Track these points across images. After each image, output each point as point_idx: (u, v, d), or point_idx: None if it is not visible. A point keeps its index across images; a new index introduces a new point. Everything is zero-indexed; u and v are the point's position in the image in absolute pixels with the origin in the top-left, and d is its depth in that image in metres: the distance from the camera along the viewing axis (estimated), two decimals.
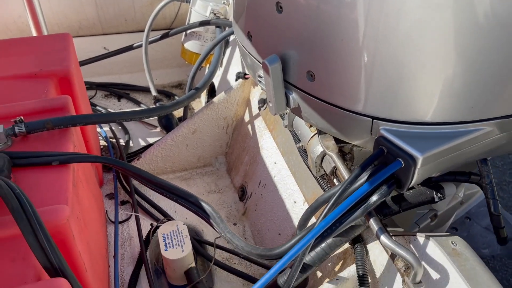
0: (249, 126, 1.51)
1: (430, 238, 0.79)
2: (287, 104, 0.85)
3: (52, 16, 1.79)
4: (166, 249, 1.24)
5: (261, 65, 0.83)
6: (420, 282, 0.73)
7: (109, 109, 1.93)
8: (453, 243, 0.78)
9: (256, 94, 1.49)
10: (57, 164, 0.98)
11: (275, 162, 1.35)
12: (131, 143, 1.76)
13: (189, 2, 1.75)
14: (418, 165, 0.71)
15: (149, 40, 1.77)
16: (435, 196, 0.94)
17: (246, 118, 1.54)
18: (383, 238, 0.76)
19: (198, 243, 1.38)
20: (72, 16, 1.83)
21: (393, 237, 0.79)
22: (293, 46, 0.78)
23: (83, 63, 1.89)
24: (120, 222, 1.44)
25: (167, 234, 1.28)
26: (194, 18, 1.76)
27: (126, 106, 1.99)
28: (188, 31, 1.74)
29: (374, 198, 0.75)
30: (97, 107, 1.90)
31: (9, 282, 0.75)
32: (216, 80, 1.80)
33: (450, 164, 0.75)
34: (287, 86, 0.84)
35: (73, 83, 1.26)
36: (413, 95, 0.70)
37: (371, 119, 0.75)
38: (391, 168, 0.71)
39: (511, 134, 0.77)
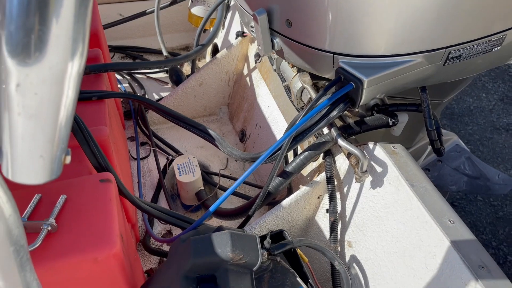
0: (247, 78, 1.78)
1: (377, 144, 1.07)
2: (273, 47, 1.12)
3: None
4: (180, 175, 1.53)
5: (252, 16, 1.09)
6: (366, 171, 1.02)
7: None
8: (393, 147, 1.06)
9: (252, 50, 1.75)
10: (95, 99, 1.26)
11: (269, 106, 1.63)
12: (146, 97, 2.04)
13: None
14: (365, 86, 0.97)
15: (160, 6, 2.02)
16: (389, 121, 1.21)
17: (245, 71, 1.80)
18: (340, 141, 1.04)
19: (206, 174, 1.67)
20: None
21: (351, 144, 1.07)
22: (273, 0, 1.04)
23: (105, 26, 2.15)
24: (142, 158, 1.73)
25: (180, 164, 1.57)
26: None
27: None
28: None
29: (334, 112, 1.03)
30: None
31: (71, 176, 1.04)
32: (219, 41, 2.05)
33: (390, 87, 1.02)
34: (272, 33, 1.11)
35: (101, 39, 1.53)
36: (361, 34, 0.97)
37: (332, 55, 1.02)
38: (345, 89, 0.98)
39: (437, 65, 1.03)
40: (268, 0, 1.06)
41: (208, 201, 1.51)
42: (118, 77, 2.11)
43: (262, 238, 1.02)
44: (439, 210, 0.90)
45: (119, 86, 1.98)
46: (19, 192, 0.91)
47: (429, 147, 1.94)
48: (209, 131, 1.28)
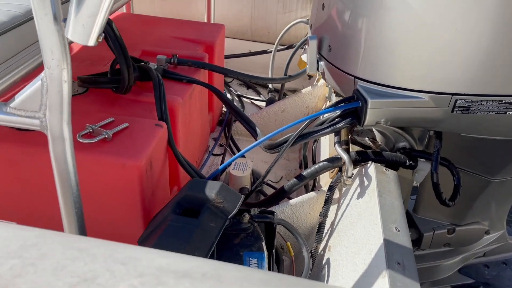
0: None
1: (373, 163, 1.20)
2: (318, 68, 1.37)
3: (221, 19, 2.59)
4: (233, 169, 1.81)
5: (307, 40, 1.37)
6: (350, 176, 1.16)
7: (238, 92, 2.62)
8: (386, 169, 1.18)
9: (333, 95, 1.99)
10: (184, 82, 1.64)
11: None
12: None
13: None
14: (369, 106, 1.15)
15: (277, 49, 2.42)
16: (407, 161, 1.32)
17: None
18: (336, 146, 1.21)
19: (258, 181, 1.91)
20: (233, 22, 2.60)
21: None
22: (325, 30, 1.31)
23: (232, 56, 2.64)
24: (214, 154, 2.06)
25: (237, 163, 1.84)
26: None
27: (250, 94, 2.66)
28: (305, 46, 2.34)
29: (340, 124, 1.21)
30: (230, 88, 2.62)
31: (141, 117, 1.41)
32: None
33: (395, 116, 1.17)
34: (320, 58, 1.36)
35: (214, 51, 1.95)
36: (377, 64, 1.16)
37: (353, 78, 1.22)
38: (351, 104, 1.17)
39: (445, 111, 1.15)
40: (321, 31, 1.33)
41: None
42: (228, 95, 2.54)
43: (252, 207, 1.22)
44: (391, 220, 1.00)
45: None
46: (104, 115, 1.30)
47: (486, 237, 1.86)
48: (257, 129, 1.55)
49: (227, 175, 1.93)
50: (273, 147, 1.33)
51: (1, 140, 1.20)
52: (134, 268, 0.45)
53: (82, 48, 1.82)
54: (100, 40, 0.82)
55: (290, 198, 1.55)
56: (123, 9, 2.39)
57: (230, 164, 1.67)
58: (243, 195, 1.18)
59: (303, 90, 2.05)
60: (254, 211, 1.21)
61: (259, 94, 2.64)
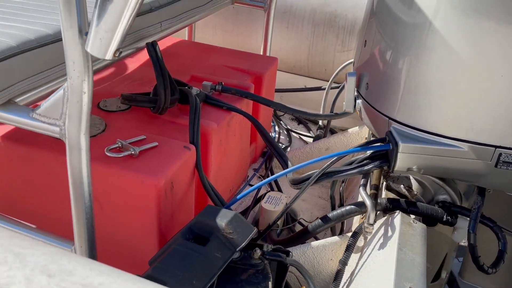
0: None
1: (400, 213, 1.10)
2: (355, 106, 1.30)
3: (279, 53, 2.61)
4: (265, 202, 1.76)
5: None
6: (371, 224, 1.06)
7: (288, 126, 2.59)
8: (413, 221, 1.07)
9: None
10: (224, 109, 1.65)
11: None
12: (288, 149, 2.37)
13: None
14: (399, 150, 1.06)
15: (331, 87, 2.37)
16: (445, 216, 1.20)
17: None
18: (361, 189, 1.12)
19: (290, 218, 1.84)
20: (291, 57, 2.60)
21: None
22: (365, 67, 1.25)
23: (286, 90, 2.64)
24: (251, 185, 2.03)
25: (272, 196, 1.79)
26: None
27: (301, 130, 2.62)
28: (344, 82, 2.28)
29: (369, 166, 1.13)
30: (281, 121, 2.59)
31: (173, 138, 1.42)
32: None
33: (428, 164, 1.07)
34: (358, 96, 1.30)
35: (262, 82, 1.95)
36: (413, 108, 1.08)
37: (388, 119, 1.14)
38: (381, 146, 1.09)
39: (487, 164, 1.03)
40: (362, 68, 1.28)
41: (272, 232, 1.68)
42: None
43: (266, 243, 1.17)
44: (407, 277, 0.90)
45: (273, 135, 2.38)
46: (138, 132, 1.33)
47: None
48: (289, 162, 1.50)
49: (259, 208, 1.88)
50: (297, 182, 1.28)
51: (38, 147, 1.26)
52: (58, 282, 0.43)
53: (136, 68, 1.90)
54: (117, 55, 0.84)
55: (317, 238, 1.47)
56: (185, 37, 2.49)
57: (249, 194, 1.63)
58: (256, 228, 1.13)
59: (349, 130, 1.97)
60: (268, 247, 1.15)
61: (309, 130, 2.59)
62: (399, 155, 1.07)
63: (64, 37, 0.84)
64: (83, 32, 0.83)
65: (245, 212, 1.85)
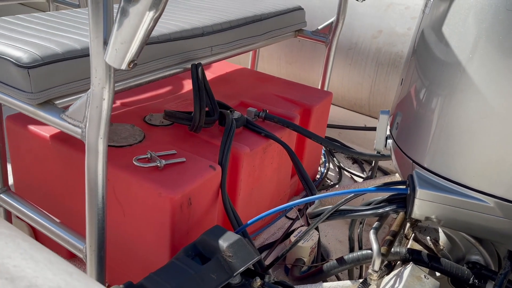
0: None
1: (412, 264, 1.00)
2: (385, 145, 1.24)
3: (339, 89, 2.57)
4: (295, 236, 1.71)
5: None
6: (376, 271, 0.98)
7: (341, 164, 2.52)
8: (425, 276, 0.97)
9: None
10: (263, 135, 1.65)
11: None
12: (337, 186, 2.29)
13: None
14: (416, 195, 0.99)
15: None
16: (472, 279, 1.08)
17: None
18: (371, 232, 1.04)
19: (321, 257, 1.77)
20: (352, 95, 2.55)
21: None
22: (398, 106, 1.19)
23: (345, 127, 2.58)
24: (287, 217, 1.99)
25: (303, 231, 1.74)
26: None
27: (354, 169, 2.53)
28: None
29: (385, 208, 1.05)
30: (334, 158, 2.53)
31: (202, 156, 1.45)
32: None
33: (448, 215, 0.97)
34: (389, 136, 1.24)
35: (311, 115, 1.93)
36: (437, 154, 1.00)
37: (412, 162, 1.07)
38: (398, 189, 1.02)
39: None
40: (395, 107, 1.22)
41: (295, 268, 1.62)
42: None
43: (269, 275, 1.13)
44: None
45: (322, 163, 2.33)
46: (171, 147, 1.38)
47: None
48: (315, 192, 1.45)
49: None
50: (312, 216, 1.23)
51: (76, 148, 1.37)
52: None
53: (190, 89, 1.99)
54: (131, 66, 0.89)
55: (339, 278, 1.40)
56: (248, 65, 2.57)
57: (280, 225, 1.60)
58: (259, 255, 1.10)
59: (397, 174, 1.87)
60: (270, 279, 1.11)
61: (363, 170, 2.50)
62: (416, 201, 0.99)
63: (90, 46, 0.91)
64: (106, 43, 0.90)
65: (273, 243, 1.81)
